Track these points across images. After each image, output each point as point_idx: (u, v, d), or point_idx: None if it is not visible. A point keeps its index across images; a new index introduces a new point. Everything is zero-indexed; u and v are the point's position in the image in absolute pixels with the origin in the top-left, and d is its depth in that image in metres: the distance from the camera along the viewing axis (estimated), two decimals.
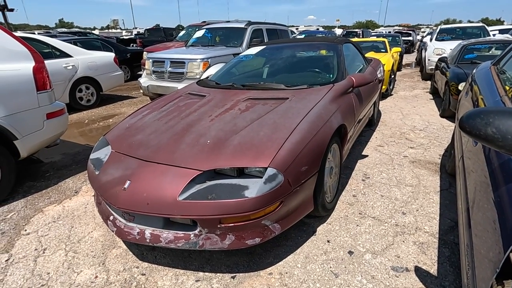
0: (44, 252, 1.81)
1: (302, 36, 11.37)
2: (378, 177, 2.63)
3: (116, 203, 1.50)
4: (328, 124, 1.84)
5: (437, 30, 8.89)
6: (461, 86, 3.81)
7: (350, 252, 1.72)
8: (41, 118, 2.60)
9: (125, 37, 18.99)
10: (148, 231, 1.51)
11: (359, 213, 2.10)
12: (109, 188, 1.60)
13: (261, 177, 1.46)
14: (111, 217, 1.66)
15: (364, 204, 2.21)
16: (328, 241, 1.82)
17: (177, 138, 1.76)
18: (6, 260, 1.75)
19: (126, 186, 1.53)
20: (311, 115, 1.82)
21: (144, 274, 1.62)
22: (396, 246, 1.77)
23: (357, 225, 1.97)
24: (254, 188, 1.41)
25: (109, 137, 2.04)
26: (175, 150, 1.65)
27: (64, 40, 5.98)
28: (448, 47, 7.07)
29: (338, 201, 2.25)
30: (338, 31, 23.60)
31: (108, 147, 1.98)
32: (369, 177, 2.63)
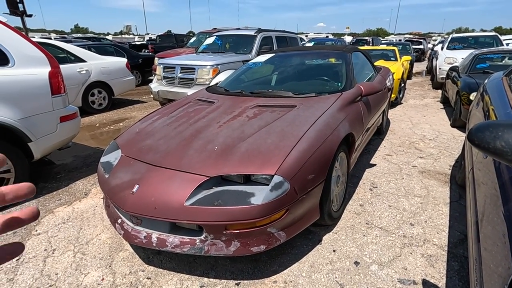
0: (53, 253, 1.85)
1: (312, 44, 11.43)
2: (386, 186, 2.60)
3: (124, 207, 1.53)
4: (335, 133, 1.85)
5: (449, 39, 8.81)
6: (472, 96, 3.76)
7: (356, 263, 1.70)
8: (54, 121, 2.67)
9: (137, 43, 19.42)
10: (155, 235, 1.53)
11: (366, 223, 2.08)
12: (118, 191, 1.63)
13: (267, 184, 1.47)
14: (119, 220, 1.69)
15: (371, 214, 2.19)
16: (334, 251, 1.81)
17: (185, 143, 1.79)
18: (16, 260, 1.79)
19: (134, 190, 1.56)
20: (318, 123, 1.82)
21: (150, 278, 1.63)
22: (404, 258, 1.74)
23: (364, 235, 1.94)
24: (260, 196, 1.41)
25: (120, 141, 2.08)
26: (183, 156, 1.67)
27: (79, 46, 6.16)
28: (460, 56, 7.00)
29: (345, 210, 2.23)
30: (348, 39, 23.62)
31: (118, 151, 2.03)
32: (376, 187, 2.60)
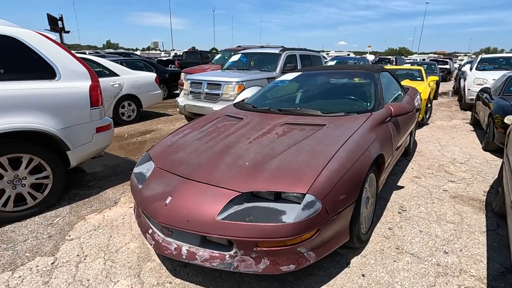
0: (85, 259, 1.91)
1: (334, 62, 11.48)
2: (416, 210, 2.51)
3: (157, 218, 1.57)
4: (366, 154, 1.83)
5: (478, 59, 8.58)
6: (507, 120, 3.60)
7: None
8: (91, 132, 2.82)
9: (163, 58, 20.32)
10: (185, 248, 1.55)
11: (396, 248, 2.00)
12: (151, 202, 1.68)
13: (298, 203, 1.47)
14: (150, 231, 1.73)
15: (401, 238, 2.11)
16: (363, 275, 1.75)
17: (216, 158, 1.83)
18: (51, 263, 1.87)
19: (167, 201, 1.60)
20: (349, 144, 1.82)
21: None
22: None
23: (394, 261, 1.87)
24: (291, 214, 1.41)
25: (152, 153, 2.16)
26: (214, 170, 1.71)
27: (112, 60, 6.55)
28: (490, 77, 6.78)
29: (373, 233, 2.17)
30: (370, 57, 23.50)
31: (150, 162, 2.11)
32: (405, 210, 2.51)
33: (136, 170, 2.10)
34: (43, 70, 2.54)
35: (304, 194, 1.46)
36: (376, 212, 2.39)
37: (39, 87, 2.46)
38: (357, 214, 1.76)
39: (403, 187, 2.97)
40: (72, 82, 2.70)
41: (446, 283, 1.68)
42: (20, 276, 1.75)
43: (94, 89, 2.83)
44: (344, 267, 1.82)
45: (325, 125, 2.11)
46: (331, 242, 1.60)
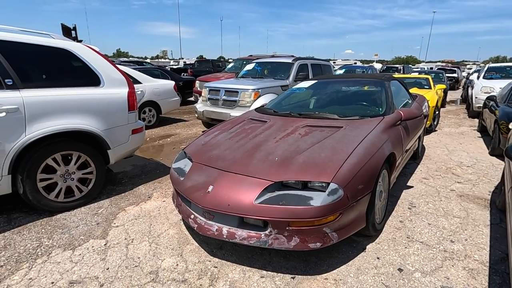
0: (132, 242, 2.19)
1: (343, 71, 11.77)
2: (425, 207, 2.73)
3: (202, 203, 1.85)
4: (380, 151, 2.09)
5: (485, 68, 8.77)
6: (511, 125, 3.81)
7: (400, 269, 1.86)
8: (128, 133, 3.14)
9: (173, 66, 20.94)
10: (225, 229, 1.82)
11: (407, 237, 2.23)
12: (194, 191, 1.96)
13: (323, 191, 1.73)
14: (192, 216, 2.01)
15: (412, 229, 2.34)
16: (378, 258, 1.98)
17: (249, 154, 2.11)
18: (104, 244, 2.15)
19: (209, 190, 1.88)
20: (365, 142, 2.08)
21: (216, 267, 1.90)
22: (445, 269, 1.87)
23: (405, 247, 2.10)
24: (318, 199, 1.67)
25: (188, 151, 2.45)
26: (249, 164, 1.99)
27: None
28: (498, 86, 6.96)
29: (385, 225, 2.40)
30: (377, 66, 23.76)
31: (186, 159, 2.40)
32: (415, 206, 2.74)
33: (174, 165, 2.39)
34: (90, 78, 2.88)
35: (329, 183, 1.72)
36: (388, 208, 2.62)
37: (87, 93, 2.79)
38: (372, 204, 2.00)
39: (412, 186, 3.20)
40: (113, 88, 3.03)
41: (452, 265, 1.90)
42: (80, 254, 2.03)
43: (131, 95, 3.16)
44: (361, 252, 2.05)
45: (342, 127, 2.37)
46: (351, 225, 1.85)
